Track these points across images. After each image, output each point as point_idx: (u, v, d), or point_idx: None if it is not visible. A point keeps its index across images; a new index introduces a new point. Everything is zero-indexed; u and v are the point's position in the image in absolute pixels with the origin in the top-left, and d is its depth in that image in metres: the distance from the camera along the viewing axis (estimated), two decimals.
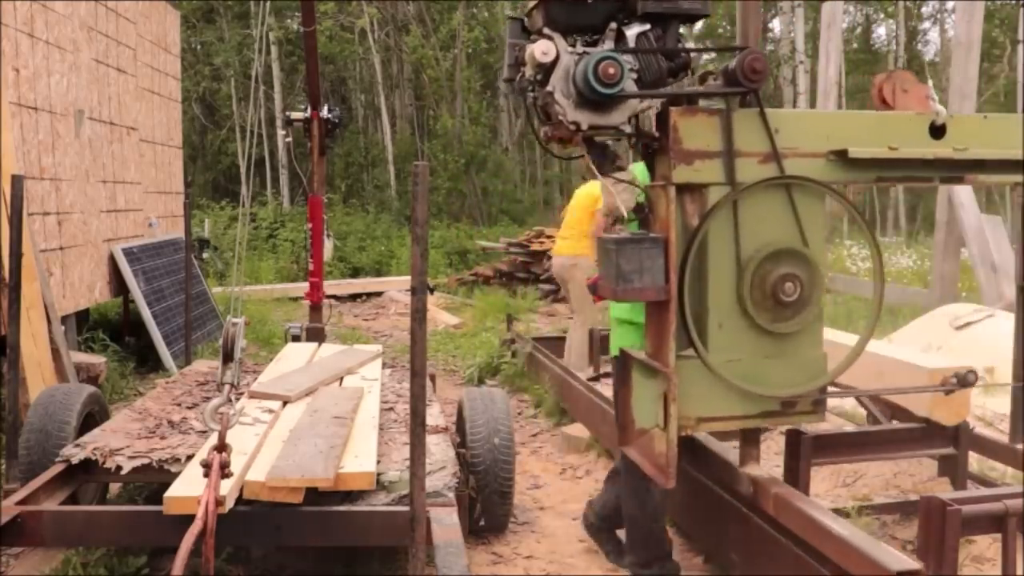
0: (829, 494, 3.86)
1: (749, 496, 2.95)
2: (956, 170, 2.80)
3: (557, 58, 2.53)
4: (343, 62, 22.37)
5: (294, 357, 4.92)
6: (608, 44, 2.60)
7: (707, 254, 2.68)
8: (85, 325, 7.10)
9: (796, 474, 3.08)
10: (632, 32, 2.59)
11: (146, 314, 7.13)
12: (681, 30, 2.72)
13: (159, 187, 8.89)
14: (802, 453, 3.08)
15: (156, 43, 8.84)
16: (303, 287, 7.44)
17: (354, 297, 12.72)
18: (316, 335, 5.86)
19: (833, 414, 4.54)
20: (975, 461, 3.65)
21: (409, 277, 2.46)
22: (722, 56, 16.75)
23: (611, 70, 2.46)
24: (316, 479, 2.88)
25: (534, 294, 11.73)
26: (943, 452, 3.47)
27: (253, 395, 3.94)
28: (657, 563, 3.28)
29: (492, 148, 21.63)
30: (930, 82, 2.89)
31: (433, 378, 5.03)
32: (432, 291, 10.32)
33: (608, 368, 5.72)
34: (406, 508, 2.73)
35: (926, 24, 28.04)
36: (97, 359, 6.09)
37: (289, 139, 6.68)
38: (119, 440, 3.45)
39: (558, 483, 4.70)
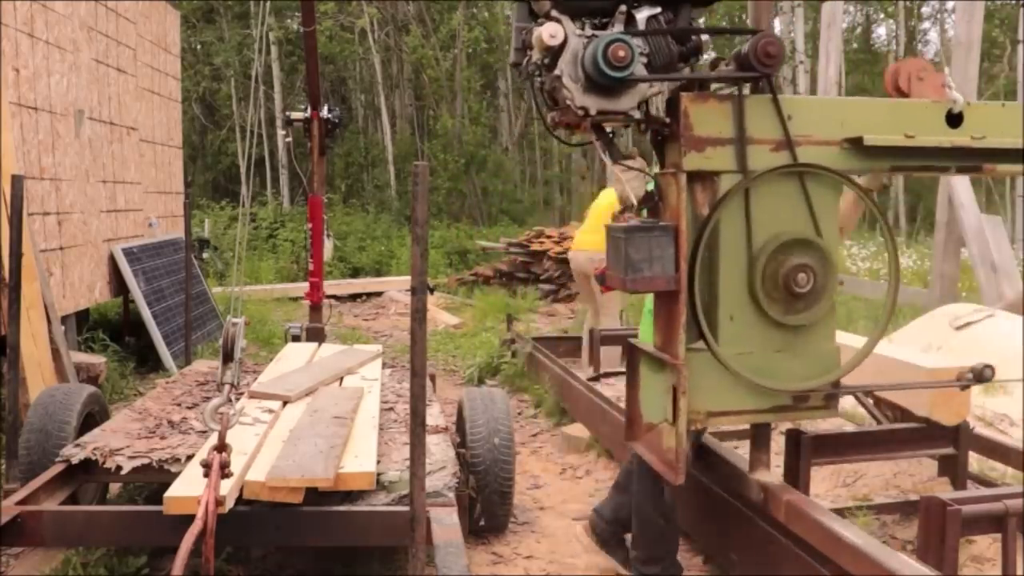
0: (829, 494, 3.86)
1: (759, 503, 2.87)
2: (973, 159, 2.72)
3: (565, 41, 2.46)
4: (343, 62, 22.34)
5: (294, 357, 4.91)
6: (618, 27, 2.51)
7: (718, 244, 2.61)
8: (85, 325, 7.10)
9: (796, 474, 3.06)
10: (642, 15, 2.52)
11: (146, 314, 7.13)
12: (693, 15, 2.63)
13: (159, 187, 8.88)
14: (802, 453, 3.06)
15: (156, 43, 8.84)
16: (303, 287, 7.44)
17: (354, 297, 12.71)
18: (316, 335, 5.86)
19: None
20: (975, 461, 3.65)
21: (409, 277, 2.45)
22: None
23: (621, 52, 2.37)
24: (316, 479, 2.88)
25: (534, 294, 11.73)
26: (943, 452, 3.47)
27: (253, 395, 3.93)
28: (661, 562, 3.25)
29: (492, 148, 21.61)
30: (947, 70, 2.80)
31: (433, 378, 5.03)
32: (432, 291, 10.30)
33: (608, 368, 5.74)
34: (406, 508, 2.73)
35: (926, 24, 28.07)
36: (97, 359, 6.08)
37: (289, 139, 6.67)
38: (119, 440, 3.45)
39: (558, 483, 4.69)
